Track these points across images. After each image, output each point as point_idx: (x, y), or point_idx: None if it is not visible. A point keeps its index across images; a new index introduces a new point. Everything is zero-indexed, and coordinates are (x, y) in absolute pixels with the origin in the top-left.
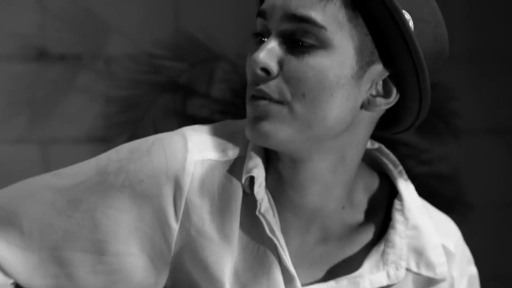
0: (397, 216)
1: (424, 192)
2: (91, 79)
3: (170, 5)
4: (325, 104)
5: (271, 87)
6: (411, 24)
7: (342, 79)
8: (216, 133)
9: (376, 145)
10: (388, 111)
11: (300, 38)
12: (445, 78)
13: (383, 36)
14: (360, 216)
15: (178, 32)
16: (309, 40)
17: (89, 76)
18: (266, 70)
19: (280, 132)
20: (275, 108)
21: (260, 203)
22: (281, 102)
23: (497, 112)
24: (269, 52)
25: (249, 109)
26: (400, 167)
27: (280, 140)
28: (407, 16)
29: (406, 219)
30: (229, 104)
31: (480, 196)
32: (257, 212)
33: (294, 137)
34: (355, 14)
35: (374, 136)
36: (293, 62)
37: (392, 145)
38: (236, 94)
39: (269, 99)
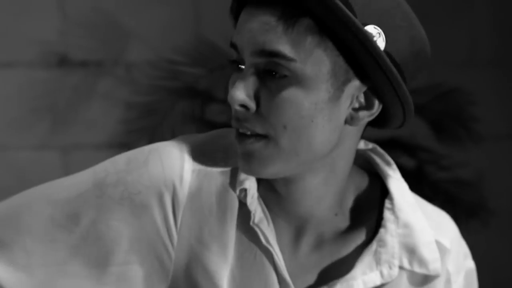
0: (388, 215)
1: (445, 198)
2: (112, 85)
3: (191, 11)
4: (307, 131)
5: (252, 122)
6: (381, 37)
7: (319, 104)
8: (212, 143)
9: (370, 145)
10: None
11: (272, 71)
12: (466, 83)
13: (353, 54)
14: (352, 219)
15: (198, 38)
16: (281, 73)
17: (110, 82)
18: (244, 106)
19: (270, 166)
20: (261, 145)
21: (253, 214)
22: (265, 136)
23: None
24: (245, 89)
25: (237, 145)
26: (394, 166)
27: (270, 174)
28: (375, 30)
29: (396, 217)
30: None
31: (502, 202)
32: (251, 223)
33: (284, 167)
34: (323, 38)
35: (393, 140)
36: (268, 97)
37: (411, 151)
38: None
39: (255, 134)
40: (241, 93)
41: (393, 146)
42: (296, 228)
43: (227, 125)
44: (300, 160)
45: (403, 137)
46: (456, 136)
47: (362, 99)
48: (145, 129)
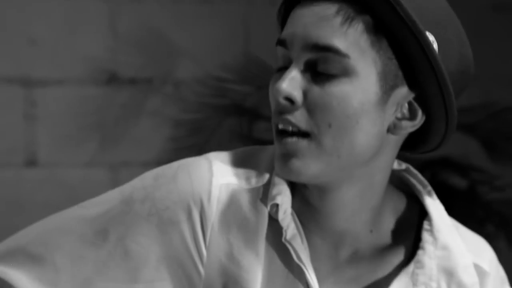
0: (426, 237)
1: (497, 219)
2: (161, 102)
3: (240, 28)
4: (351, 132)
5: (297, 117)
6: (435, 45)
7: (366, 105)
8: (240, 159)
9: (404, 165)
10: (413, 132)
11: (323, 67)
12: None
13: (407, 58)
14: (389, 239)
15: (247, 56)
16: (332, 69)
17: (158, 99)
18: (290, 100)
19: (311, 167)
20: (303, 144)
21: (285, 230)
22: (308, 134)
23: None
24: (292, 81)
25: (277, 145)
26: (429, 187)
27: (311, 175)
28: (431, 37)
29: (435, 239)
30: None
31: None
32: (283, 240)
33: (325, 170)
34: (378, 38)
35: (445, 159)
36: (316, 92)
37: (464, 171)
38: None
39: (297, 129)
40: (287, 86)
41: (444, 166)
42: (331, 245)
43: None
44: (340, 164)
45: (455, 156)
46: (509, 156)
47: (405, 110)
48: (192, 146)
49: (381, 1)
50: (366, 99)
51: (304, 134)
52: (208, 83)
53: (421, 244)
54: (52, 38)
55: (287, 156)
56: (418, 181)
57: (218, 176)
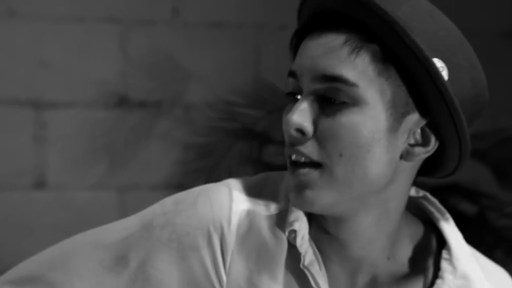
0: (445, 266)
1: (506, 246)
2: (170, 126)
3: (251, 53)
4: (363, 161)
5: (308, 148)
6: (445, 72)
7: (377, 133)
8: (261, 185)
9: (421, 193)
10: (429, 157)
11: (332, 97)
12: None
13: (417, 86)
14: (407, 266)
15: (257, 80)
16: (341, 99)
17: (168, 123)
18: (301, 131)
19: (323, 197)
20: (315, 175)
21: (303, 256)
22: (320, 164)
23: None
24: (302, 113)
25: (290, 176)
26: (447, 215)
27: (324, 205)
28: (440, 63)
29: (454, 268)
30: None
31: None
32: (301, 266)
33: (337, 199)
34: (386, 67)
35: (455, 185)
36: (327, 122)
37: (474, 197)
38: None
39: (309, 163)
40: (298, 117)
41: (455, 192)
42: (349, 272)
43: (284, 167)
44: (353, 193)
45: (465, 182)
46: None
47: (418, 136)
48: (202, 170)
49: (387, 30)
50: (376, 128)
51: (316, 165)
52: (218, 107)
53: (440, 273)
54: (63, 61)
55: (300, 187)
56: (436, 208)
57: (238, 202)
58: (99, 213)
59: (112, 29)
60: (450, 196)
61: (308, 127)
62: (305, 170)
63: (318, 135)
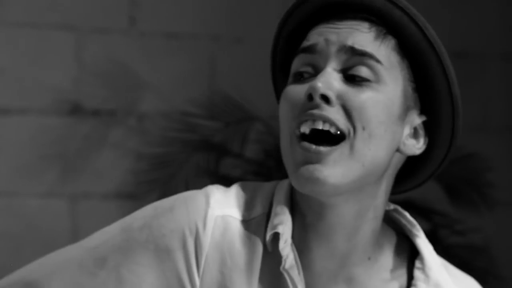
0: (418, 274)
1: (457, 262)
2: (124, 135)
3: (206, 64)
4: (379, 140)
5: (334, 115)
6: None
7: (392, 116)
8: (238, 193)
9: (392, 206)
10: (405, 164)
11: (356, 72)
12: (481, 148)
13: (426, 83)
14: (385, 274)
15: (213, 91)
16: (365, 74)
17: (121, 132)
18: (325, 98)
19: (337, 175)
20: (338, 151)
21: (285, 260)
22: (342, 133)
23: None
24: (327, 80)
25: (299, 152)
26: (418, 227)
27: (333, 185)
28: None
29: (427, 276)
30: (262, 165)
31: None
32: (281, 269)
33: (347, 179)
34: (403, 59)
35: (405, 202)
36: (352, 93)
37: (426, 214)
38: (269, 155)
39: (333, 127)
40: (323, 84)
41: (407, 209)
42: (331, 274)
43: (241, 179)
44: (362, 173)
45: (417, 199)
46: (471, 201)
47: (413, 131)
48: (156, 181)
49: (409, 22)
50: (393, 110)
51: (338, 138)
52: (172, 118)
53: (413, 281)
54: (17, 67)
55: (314, 163)
56: (407, 221)
57: (214, 208)
58: (50, 221)
59: (67, 37)
60: None
61: (333, 95)
62: (326, 149)
63: (343, 105)
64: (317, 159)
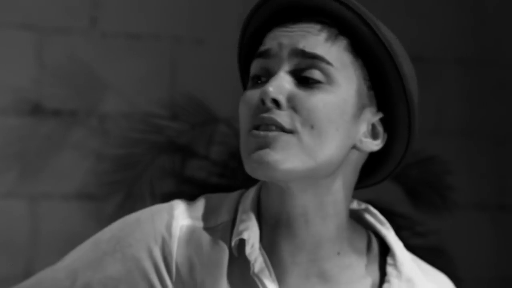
0: (390, 270)
1: None
2: (85, 135)
3: (168, 65)
4: (330, 138)
5: (282, 117)
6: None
7: (345, 115)
8: (202, 203)
9: (363, 205)
10: (369, 159)
11: (308, 74)
12: (436, 151)
13: (380, 80)
14: (358, 269)
15: (175, 93)
16: (317, 77)
17: (82, 132)
18: (276, 102)
19: (287, 162)
20: (285, 138)
21: (253, 264)
22: (291, 131)
23: (485, 187)
24: (279, 85)
25: (249, 139)
26: (388, 225)
27: (285, 171)
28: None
29: (399, 272)
30: (227, 167)
31: (469, 271)
32: (251, 273)
33: (299, 168)
34: (355, 59)
35: (370, 204)
36: (303, 94)
37: (387, 216)
38: (233, 156)
39: (280, 128)
40: (274, 88)
41: None
42: (302, 271)
43: (207, 181)
44: (314, 167)
45: (379, 201)
46: (431, 204)
47: (370, 128)
48: (120, 182)
49: (360, 23)
50: (345, 110)
51: (286, 131)
52: (134, 118)
53: (386, 277)
54: None
55: (264, 148)
56: (377, 219)
57: (178, 219)
58: (9, 222)
59: (28, 36)
60: None
61: (283, 98)
62: (274, 133)
63: (293, 107)
64: (266, 143)
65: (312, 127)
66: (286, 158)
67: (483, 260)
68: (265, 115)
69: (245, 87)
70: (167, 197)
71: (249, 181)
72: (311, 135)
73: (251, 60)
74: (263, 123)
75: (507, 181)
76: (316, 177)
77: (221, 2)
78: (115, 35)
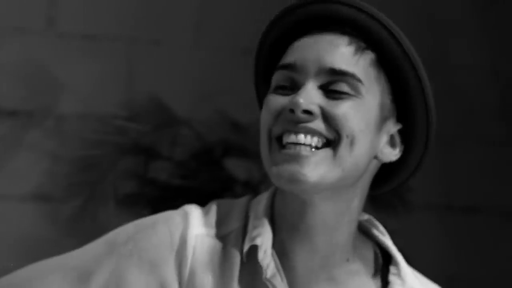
0: (394, 279)
1: None
2: (41, 136)
3: (124, 66)
4: (360, 147)
5: (318, 125)
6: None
7: (370, 126)
8: (214, 211)
9: (366, 216)
10: (380, 170)
11: (336, 88)
12: None
13: (402, 95)
14: (364, 277)
15: (132, 93)
16: (345, 89)
17: (38, 133)
18: (308, 112)
19: (317, 175)
20: (321, 155)
21: (265, 270)
22: (327, 143)
23: (433, 188)
24: (309, 95)
25: (277, 152)
26: (388, 236)
27: (313, 183)
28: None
29: (403, 281)
30: (189, 168)
31: (429, 273)
32: (263, 279)
33: (326, 180)
34: (380, 73)
35: None
36: (334, 105)
37: None
38: (195, 158)
39: (317, 136)
40: (305, 99)
41: None
42: (312, 277)
43: (169, 182)
44: (340, 177)
45: None
46: (390, 204)
47: (389, 139)
48: (82, 183)
49: (388, 35)
50: (370, 121)
51: (322, 145)
52: (92, 120)
53: (390, 286)
54: None
55: (292, 161)
56: (380, 231)
57: (194, 227)
58: None
59: None
60: None
61: (316, 108)
62: (306, 148)
63: (325, 117)
64: (298, 158)
65: (347, 136)
66: (317, 172)
67: (434, 260)
68: (300, 125)
69: (259, 97)
70: (130, 199)
71: (211, 183)
72: (345, 146)
73: (270, 64)
74: (295, 131)
75: (454, 182)
76: (341, 186)
77: (177, 2)
78: (72, 36)
